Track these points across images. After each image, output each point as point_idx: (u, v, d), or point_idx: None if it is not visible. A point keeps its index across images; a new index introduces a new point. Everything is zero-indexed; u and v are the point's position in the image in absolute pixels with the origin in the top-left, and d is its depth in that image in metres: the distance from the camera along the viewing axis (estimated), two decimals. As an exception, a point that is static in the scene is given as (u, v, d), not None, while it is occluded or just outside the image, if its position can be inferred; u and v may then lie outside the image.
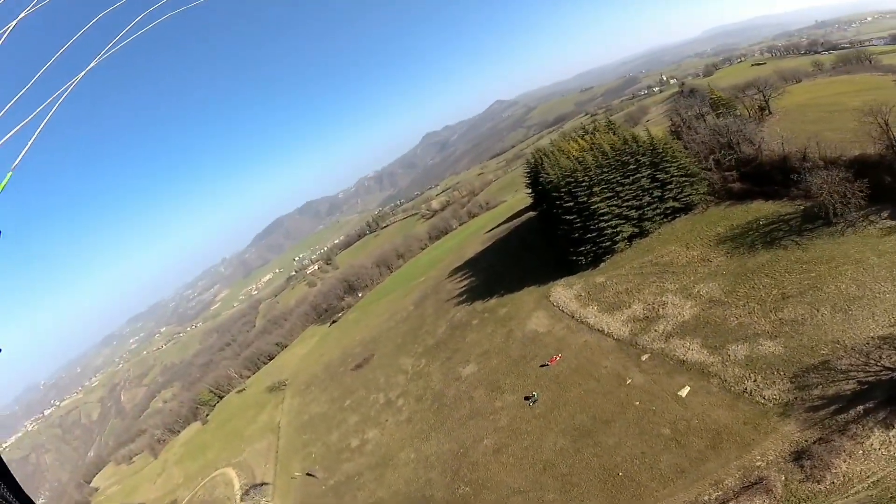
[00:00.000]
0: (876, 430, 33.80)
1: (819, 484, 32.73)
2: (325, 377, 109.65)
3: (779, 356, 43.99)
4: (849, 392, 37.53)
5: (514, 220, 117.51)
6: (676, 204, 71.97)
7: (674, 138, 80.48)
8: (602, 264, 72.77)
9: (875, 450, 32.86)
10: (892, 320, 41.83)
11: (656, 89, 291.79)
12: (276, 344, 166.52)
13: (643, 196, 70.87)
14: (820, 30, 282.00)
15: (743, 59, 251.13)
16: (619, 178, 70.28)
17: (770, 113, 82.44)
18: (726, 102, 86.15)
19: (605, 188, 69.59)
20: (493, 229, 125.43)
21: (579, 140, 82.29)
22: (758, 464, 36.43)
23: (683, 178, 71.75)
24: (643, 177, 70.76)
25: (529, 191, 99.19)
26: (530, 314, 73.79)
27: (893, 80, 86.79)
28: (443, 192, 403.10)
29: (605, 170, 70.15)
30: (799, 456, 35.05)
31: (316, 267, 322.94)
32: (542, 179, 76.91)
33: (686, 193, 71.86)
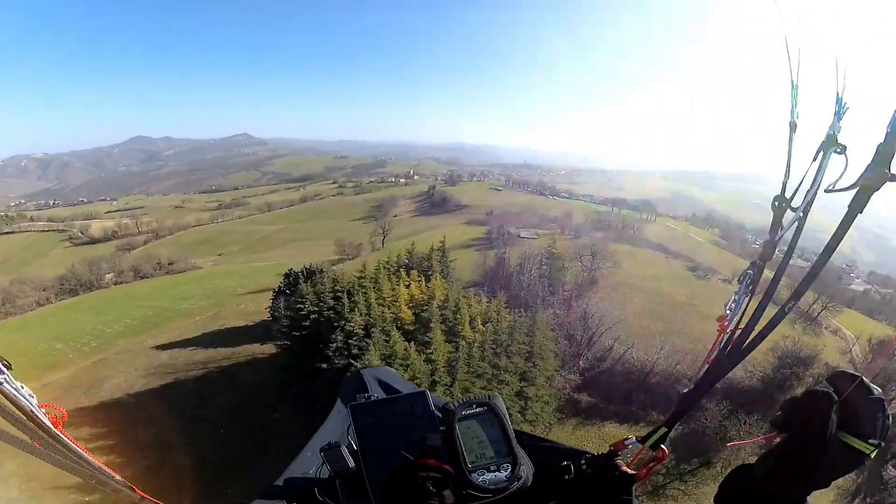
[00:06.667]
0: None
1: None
2: None
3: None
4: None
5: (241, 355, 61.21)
6: (528, 427, 48.75)
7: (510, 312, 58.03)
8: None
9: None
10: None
11: (402, 181, 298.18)
12: None
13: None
14: (526, 170, 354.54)
15: (479, 178, 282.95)
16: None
17: (594, 286, 72.14)
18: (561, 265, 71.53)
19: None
20: (178, 345, 60.52)
21: (398, 287, 51.22)
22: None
23: (544, 391, 49.88)
24: (513, 391, 45.18)
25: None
26: None
27: (685, 266, 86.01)
28: (116, 211, 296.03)
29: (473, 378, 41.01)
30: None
31: None
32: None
33: (539, 409, 49.87)
